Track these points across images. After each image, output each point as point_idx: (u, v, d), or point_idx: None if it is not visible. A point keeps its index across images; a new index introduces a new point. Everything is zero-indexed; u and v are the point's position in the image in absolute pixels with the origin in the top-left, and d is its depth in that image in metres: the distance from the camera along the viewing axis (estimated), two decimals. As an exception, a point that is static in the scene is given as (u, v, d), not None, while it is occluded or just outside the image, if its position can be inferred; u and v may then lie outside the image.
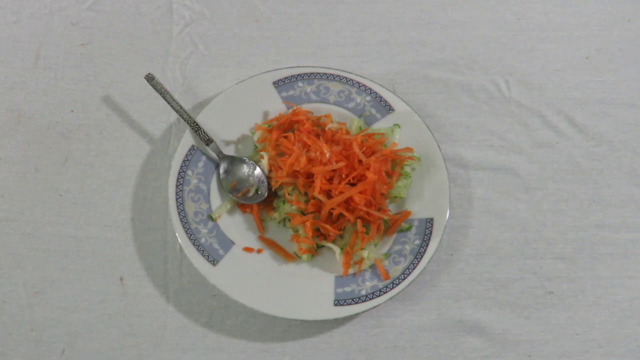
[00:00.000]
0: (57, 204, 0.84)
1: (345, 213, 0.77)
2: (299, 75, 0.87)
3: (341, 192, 0.77)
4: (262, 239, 0.82)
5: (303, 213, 0.80)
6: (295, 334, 0.78)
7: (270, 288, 0.77)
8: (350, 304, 0.76)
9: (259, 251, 0.81)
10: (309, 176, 0.80)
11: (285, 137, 0.83)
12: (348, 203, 0.78)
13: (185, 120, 0.84)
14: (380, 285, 0.77)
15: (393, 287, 0.76)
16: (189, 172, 0.82)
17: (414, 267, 0.77)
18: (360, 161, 0.80)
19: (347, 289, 0.77)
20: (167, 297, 0.80)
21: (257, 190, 0.84)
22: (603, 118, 0.91)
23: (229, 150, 0.86)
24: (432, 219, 0.80)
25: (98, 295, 0.80)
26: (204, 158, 0.84)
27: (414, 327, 0.79)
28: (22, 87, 0.91)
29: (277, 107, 0.87)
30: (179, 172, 0.82)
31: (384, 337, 0.78)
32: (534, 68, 0.95)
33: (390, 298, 0.76)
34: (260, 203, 0.84)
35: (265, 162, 0.84)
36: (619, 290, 0.81)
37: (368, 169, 0.79)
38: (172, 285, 0.80)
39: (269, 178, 0.84)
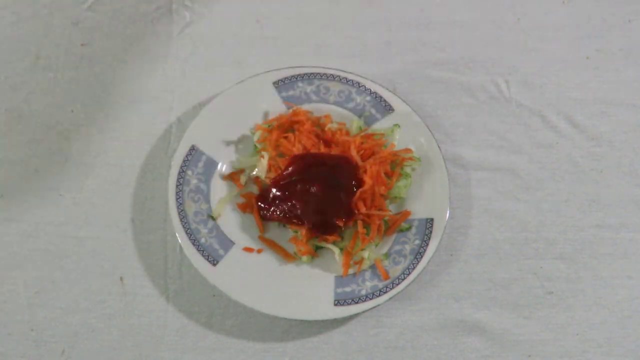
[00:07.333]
0: (57, 204, 0.84)
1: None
2: (299, 75, 0.87)
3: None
4: (262, 239, 0.82)
5: (303, 213, 0.80)
6: (295, 334, 0.78)
7: (270, 288, 0.77)
8: (350, 304, 0.75)
9: (259, 251, 0.81)
10: (309, 176, 0.80)
11: (285, 138, 0.83)
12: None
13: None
14: (380, 285, 0.77)
15: (393, 287, 0.76)
16: (189, 172, 0.82)
17: (414, 267, 0.77)
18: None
19: (347, 289, 0.77)
20: (167, 297, 0.80)
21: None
22: (603, 118, 0.91)
23: (229, 150, 0.86)
24: (432, 219, 0.80)
25: (98, 295, 0.79)
26: (204, 158, 0.84)
27: (414, 327, 0.79)
28: (22, 87, 0.91)
29: (277, 107, 0.87)
30: (179, 172, 0.82)
31: (384, 337, 0.78)
32: (534, 68, 0.95)
33: (390, 298, 0.76)
34: (260, 203, 0.84)
35: (265, 162, 0.84)
36: (619, 290, 0.81)
37: (365, 172, 0.79)
38: (172, 285, 0.80)
39: (268, 178, 0.84)
